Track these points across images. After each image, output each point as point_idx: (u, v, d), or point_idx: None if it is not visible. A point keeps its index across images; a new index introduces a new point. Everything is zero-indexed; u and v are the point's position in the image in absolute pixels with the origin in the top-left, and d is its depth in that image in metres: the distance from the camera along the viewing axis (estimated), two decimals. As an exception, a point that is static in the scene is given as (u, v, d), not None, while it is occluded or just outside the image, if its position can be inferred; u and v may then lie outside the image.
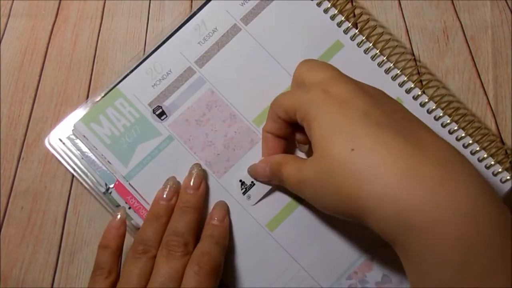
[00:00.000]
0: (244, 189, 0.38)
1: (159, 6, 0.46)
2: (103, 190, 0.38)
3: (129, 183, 0.38)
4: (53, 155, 0.40)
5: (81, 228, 0.40)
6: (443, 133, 0.39)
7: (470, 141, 0.39)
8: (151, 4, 0.47)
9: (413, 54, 0.44)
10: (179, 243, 0.34)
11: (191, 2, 0.47)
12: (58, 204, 0.40)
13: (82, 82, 0.44)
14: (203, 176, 0.38)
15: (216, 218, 0.37)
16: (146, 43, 0.45)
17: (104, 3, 0.46)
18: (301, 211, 0.38)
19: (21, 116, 0.42)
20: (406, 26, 0.45)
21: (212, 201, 0.38)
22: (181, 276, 0.33)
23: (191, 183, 0.37)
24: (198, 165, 0.38)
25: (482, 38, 0.45)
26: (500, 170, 0.38)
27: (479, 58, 0.45)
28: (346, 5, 0.42)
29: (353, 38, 0.41)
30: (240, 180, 0.38)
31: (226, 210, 0.37)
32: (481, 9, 0.46)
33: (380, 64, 0.40)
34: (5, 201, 0.40)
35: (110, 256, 0.35)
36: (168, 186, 0.37)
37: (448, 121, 0.39)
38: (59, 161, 0.39)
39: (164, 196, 0.37)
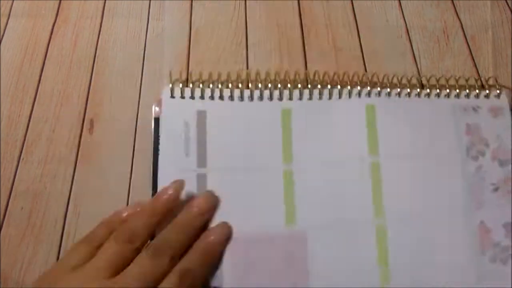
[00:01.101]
0: None
1: (159, 6, 0.46)
2: None
3: None
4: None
5: (81, 229, 0.40)
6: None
7: None
8: (151, 4, 0.47)
9: (413, 54, 0.44)
10: (167, 255, 0.32)
11: (191, 2, 0.47)
12: (58, 204, 0.40)
13: (82, 82, 0.44)
14: (213, 202, 0.37)
15: (212, 236, 0.35)
16: (146, 43, 0.45)
17: (104, 3, 0.46)
18: None
19: (21, 116, 0.42)
20: (406, 26, 0.46)
21: None
22: (157, 281, 0.32)
23: (198, 203, 0.36)
24: (210, 192, 0.37)
25: (482, 38, 0.45)
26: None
27: (479, 58, 0.45)
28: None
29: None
30: None
31: (228, 230, 0.36)
32: (481, 9, 0.46)
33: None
34: (5, 201, 0.40)
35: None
36: (173, 187, 0.36)
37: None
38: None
39: (166, 196, 0.36)
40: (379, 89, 0.41)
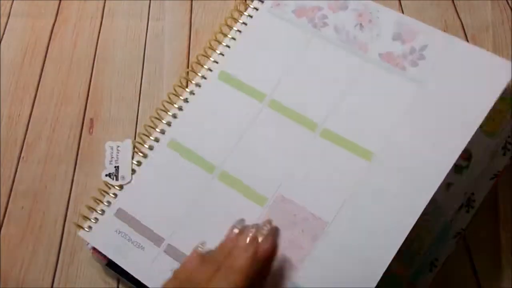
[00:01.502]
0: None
1: (159, 6, 0.46)
2: None
3: None
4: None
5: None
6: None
7: None
8: (151, 4, 0.47)
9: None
10: None
11: (191, 2, 0.47)
12: (58, 204, 0.40)
13: (82, 82, 0.44)
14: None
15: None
16: (146, 43, 0.45)
17: (104, 3, 0.46)
18: None
19: (21, 116, 0.42)
20: (406, 26, 0.45)
21: None
22: None
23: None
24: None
25: (483, 37, 0.45)
26: None
27: (479, 58, 0.45)
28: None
29: None
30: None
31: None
32: (481, 9, 0.46)
33: None
34: (5, 201, 0.40)
35: None
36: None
37: None
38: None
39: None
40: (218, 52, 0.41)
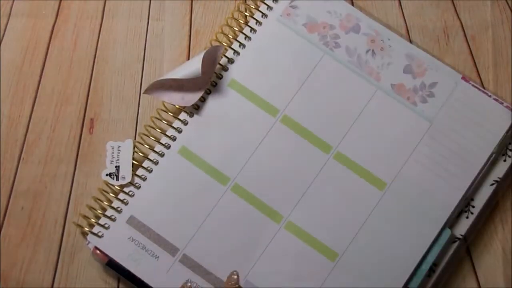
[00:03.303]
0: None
1: (159, 6, 0.46)
2: None
3: None
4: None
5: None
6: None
7: None
8: (151, 4, 0.47)
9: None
10: None
11: (191, 2, 0.47)
12: (59, 204, 0.40)
13: (82, 82, 0.44)
14: None
15: None
16: (146, 43, 0.45)
17: (104, 3, 0.46)
18: None
19: (22, 116, 0.42)
20: (406, 26, 0.46)
21: None
22: None
23: None
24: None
25: (483, 38, 0.45)
26: None
27: (479, 58, 0.45)
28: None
29: None
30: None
31: None
32: (481, 9, 0.46)
33: None
34: (5, 201, 0.40)
35: None
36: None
37: None
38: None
39: None
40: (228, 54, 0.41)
